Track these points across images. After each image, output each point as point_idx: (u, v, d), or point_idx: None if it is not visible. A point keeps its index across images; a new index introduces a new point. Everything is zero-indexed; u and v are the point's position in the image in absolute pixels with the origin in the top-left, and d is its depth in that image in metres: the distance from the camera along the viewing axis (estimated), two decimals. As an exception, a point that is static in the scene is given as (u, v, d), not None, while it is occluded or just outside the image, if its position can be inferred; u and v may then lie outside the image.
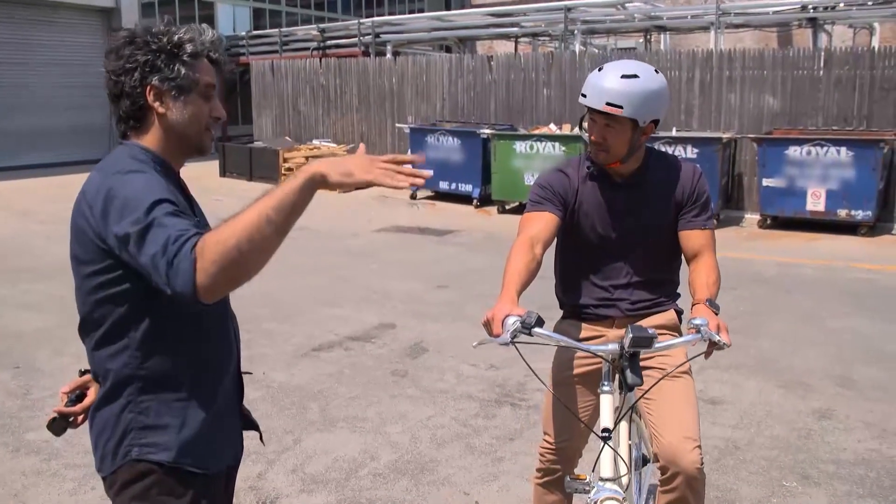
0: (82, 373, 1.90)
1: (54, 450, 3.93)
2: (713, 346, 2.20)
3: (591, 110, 2.42)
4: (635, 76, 2.35)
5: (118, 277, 1.62)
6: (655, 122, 2.44)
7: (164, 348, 1.68)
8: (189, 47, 1.71)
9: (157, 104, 1.70)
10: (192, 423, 1.72)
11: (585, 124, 2.52)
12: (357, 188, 1.53)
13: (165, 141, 1.73)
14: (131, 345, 1.67)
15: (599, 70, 2.41)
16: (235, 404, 1.90)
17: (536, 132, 11.99)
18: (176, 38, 1.70)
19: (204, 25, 1.79)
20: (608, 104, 2.34)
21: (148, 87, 1.69)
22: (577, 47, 15.38)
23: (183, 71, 1.70)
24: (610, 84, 2.35)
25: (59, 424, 1.87)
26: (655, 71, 2.42)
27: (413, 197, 13.28)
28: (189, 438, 1.71)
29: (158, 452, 1.69)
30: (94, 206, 1.59)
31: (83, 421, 1.88)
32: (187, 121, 1.73)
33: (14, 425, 4.30)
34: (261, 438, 2.05)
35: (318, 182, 1.51)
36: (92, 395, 1.86)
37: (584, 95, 2.40)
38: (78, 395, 1.88)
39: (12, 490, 3.60)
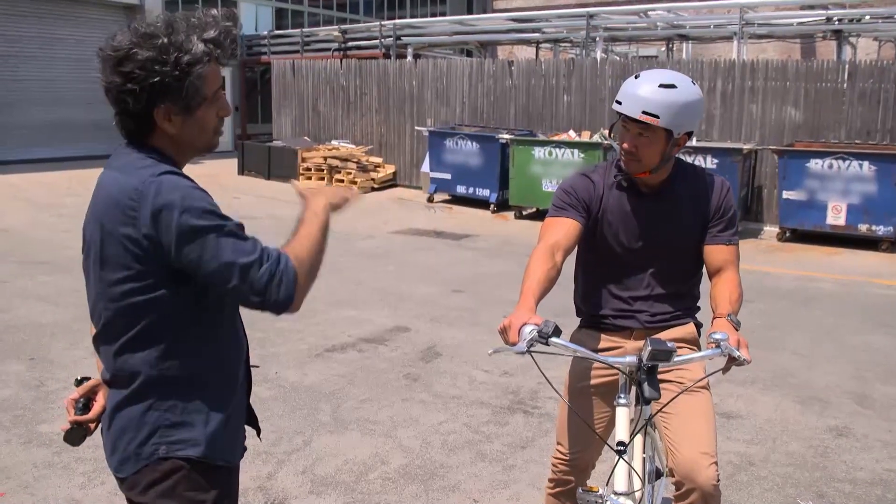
0: (78, 382, 1.89)
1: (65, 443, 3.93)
2: (732, 361, 2.17)
3: (624, 118, 2.38)
4: (673, 86, 2.31)
5: (150, 284, 1.62)
6: (689, 135, 2.40)
7: (188, 349, 1.69)
8: (199, 69, 1.62)
9: (166, 124, 1.66)
10: (216, 418, 1.74)
11: (615, 132, 2.48)
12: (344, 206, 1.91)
13: (173, 147, 1.70)
14: (158, 348, 1.67)
15: (636, 77, 2.36)
16: (245, 398, 1.91)
17: (555, 138, 11.95)
18: (185, 60, 1.60)
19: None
20: (644, 113, 2.30)
21: (156, 110, 1.63)
22: (599, 54, 15.32)
23: (194, 88, 1.63)
24: (647, 93, 2.30)
25: (77, 433, 1.86)
26: (693, 82, 2.38)
27: (430, 200, 13.27)
28: (214, 432, 1.73)
29: (187, 448, 1.69)
30: (137, 206, 1.57)
31: (97, 427, 1.87)
32: (197, 132, 1.70)
33: (27, 417, 4.31)
34: (258, 434, 2.03)
35: (333, 208, 1.85)
36: (101, 400, 1.85)
37: (619, 102, 2.35)
38: (85, 402, 1.87)
39: (23, 482, 3.61)
